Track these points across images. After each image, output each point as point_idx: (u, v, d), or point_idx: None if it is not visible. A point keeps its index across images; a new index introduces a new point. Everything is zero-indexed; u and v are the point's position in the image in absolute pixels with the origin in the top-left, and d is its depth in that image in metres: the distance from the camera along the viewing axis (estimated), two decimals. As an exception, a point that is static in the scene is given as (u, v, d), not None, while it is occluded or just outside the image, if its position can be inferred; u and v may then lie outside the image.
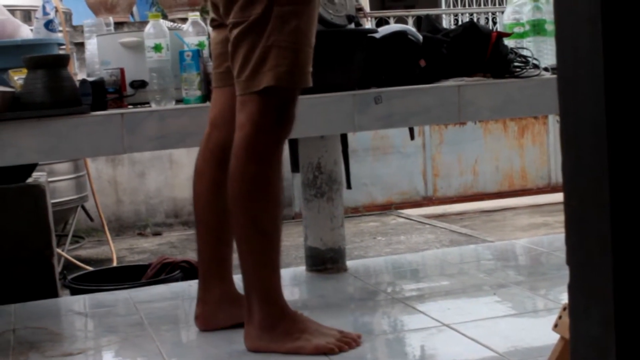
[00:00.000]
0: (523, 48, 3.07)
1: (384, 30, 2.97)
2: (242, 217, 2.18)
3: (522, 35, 3.18)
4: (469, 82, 2.86)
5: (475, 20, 7.44)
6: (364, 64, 2.81)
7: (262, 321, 2.22)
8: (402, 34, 2.92)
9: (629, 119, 0.78)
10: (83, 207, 5.57)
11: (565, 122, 0.86)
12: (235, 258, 2.33)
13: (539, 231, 5.61)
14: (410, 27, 3.14)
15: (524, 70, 2.93)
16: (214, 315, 2.40)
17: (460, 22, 7.49)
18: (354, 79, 2.78)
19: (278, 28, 2.10)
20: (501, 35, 2.97)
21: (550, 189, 7.17)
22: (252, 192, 2.15)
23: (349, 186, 3.31)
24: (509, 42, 3.06)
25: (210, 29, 2.50)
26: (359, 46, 2.79)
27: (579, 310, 0.85)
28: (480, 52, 2.92)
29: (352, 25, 2.76)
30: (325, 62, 2.73)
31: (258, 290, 2.21)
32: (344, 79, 2.75)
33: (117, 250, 5.28)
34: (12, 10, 3.11)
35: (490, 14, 8.00)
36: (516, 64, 2.96)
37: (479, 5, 8.42)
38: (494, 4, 8.27)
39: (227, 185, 2.26)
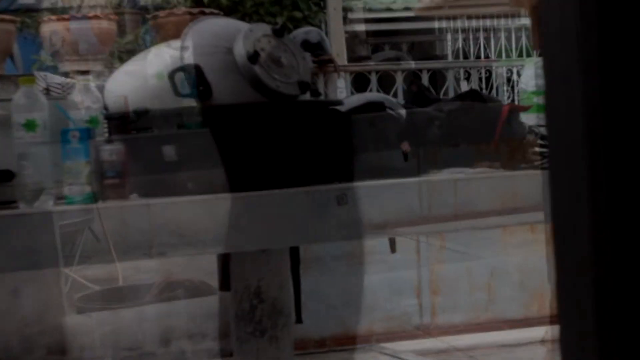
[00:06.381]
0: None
1: (351, 101, 3.02)
2: None
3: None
4: (469, 174, 2.84)
5: (492, 71, 7.59)
6: (323, 150, 2.77)
7: None
8: (377, 106, 2.97)
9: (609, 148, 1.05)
10: (90, 229, 6.20)
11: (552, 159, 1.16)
12: None
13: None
14: (388, 97, 3.21)
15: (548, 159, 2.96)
16: None
17: (470, 77, 7.64)
18: (308, 171, 2.70)
19: None
20: (515, 109, 3.02)
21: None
22: None
23: (299, 320, 3.08)
24: (527, 118, 3.10)
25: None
26: (315, 124, 2.79)
27: (562, 323, 1.20)
28: (485, 132, 2.98)
29: (307, 95, 2.82)
30: (268, 148, 2.76)
31: None
32: (293, 172, 2.67)
33: (122, 270, 6.32)
34: None
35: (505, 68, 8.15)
36: (537, 149, 3.00)
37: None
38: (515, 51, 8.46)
39: None
